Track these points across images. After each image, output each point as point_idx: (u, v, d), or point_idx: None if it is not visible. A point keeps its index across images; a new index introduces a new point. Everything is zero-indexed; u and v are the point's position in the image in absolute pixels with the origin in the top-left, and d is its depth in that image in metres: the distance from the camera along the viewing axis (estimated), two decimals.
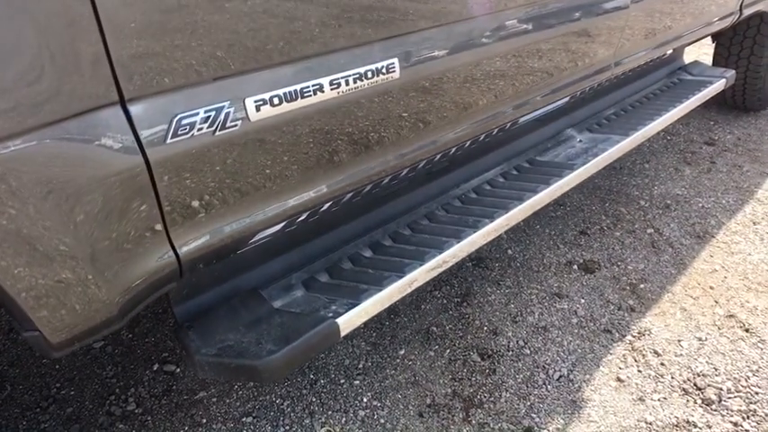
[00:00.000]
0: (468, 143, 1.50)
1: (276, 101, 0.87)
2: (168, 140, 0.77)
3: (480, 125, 1.38)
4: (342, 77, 0.95)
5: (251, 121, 0.85)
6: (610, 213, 2.47)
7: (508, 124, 1.59)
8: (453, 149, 1.42)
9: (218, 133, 0.82)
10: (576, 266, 2.12)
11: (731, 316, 1.85)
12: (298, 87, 0.89)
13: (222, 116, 0.81)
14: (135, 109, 0.74)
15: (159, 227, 0.82)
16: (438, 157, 1.43)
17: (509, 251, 2.23)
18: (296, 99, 0.89)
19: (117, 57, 0.71)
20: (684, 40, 2.25)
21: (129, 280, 0.83)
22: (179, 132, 0.77)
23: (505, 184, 1.63)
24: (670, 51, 2.39)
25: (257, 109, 0.85)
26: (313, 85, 0.91)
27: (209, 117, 0.80)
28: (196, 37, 0.78)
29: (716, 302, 1.91)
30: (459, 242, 1.33)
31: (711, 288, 1.99)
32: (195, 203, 0.85)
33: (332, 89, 0.94)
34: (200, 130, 0.79)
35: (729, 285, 1.99)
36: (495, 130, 1.56)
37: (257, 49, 0.84)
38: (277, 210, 1.03)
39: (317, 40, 0.91)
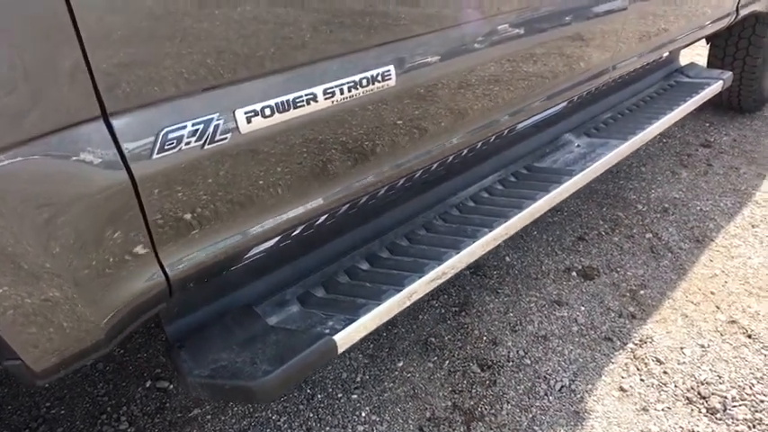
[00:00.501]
0: (466, 151, 1.47)
1: (268, 112, 0.83)
2: (154, 155, 0.73)
3: (478, 133, 1.35)
4: (336, 86, 0.91)
5: (242, 134, 0.82)
6: (607, 218, 2.44)
7: (506, 131, 1.57)
8: (451, 158, 1.39)
9: (207, 147, 0.78)
10: (574, 273, 2.09)
11: (733, 322, 1.82)
12: (290, 97, 0.85)
13: (211, 129, 0.78)
14: (118, 123, 0.71)
15: (147, 246, 0.78)
16: (435, 166, 1.40)
17: (507, 258, 2.20)
18: (288, 109, 0.86)
19: (98, 68, 0.67)
20: (683, 42, 2.23)
21: (116, 302, 0.79)
22: (166, 147, 0.74)
23: (504, 191, 1.60)
24: (666, 54, 2.38)
25: (248, 121, 0.81)
26: (306, 95, 0.87)
27: (197, 130, 0.76)
28: (183, 46, 0.75)
29: (717, 308, 1.89)
30: (458, 253, 1.30)
31: (712, 293, 1.96)
32: (185, 221, 0.82)
33: (326, 98, 0.90)
34: (188, 143, 0.76)
35: (730, 290, 1.97)
36: (493, 137, 1.53)
37: (248, 57, 0.81)
38: (271, 224, 0.99)
39: (309, 47, 0.88)
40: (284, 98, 0.85)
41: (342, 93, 0.92)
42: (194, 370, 0.99)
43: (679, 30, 2.10)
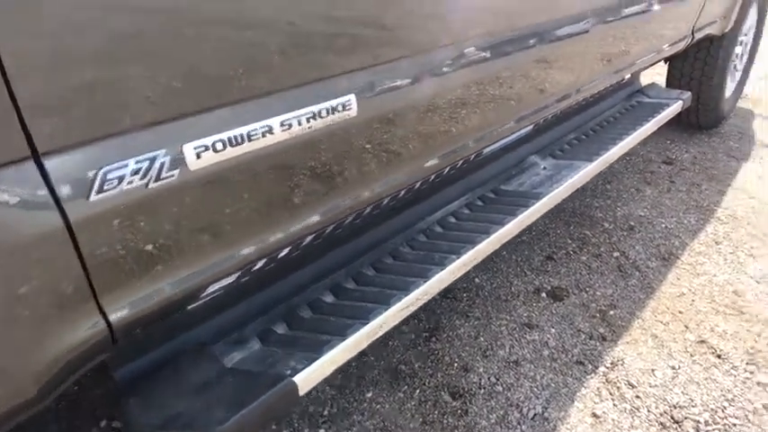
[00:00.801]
0: (433, 177, 1.44)
1: (219, 146, 0.78)
2: (92, 197, 0.68)
3: (445, 159, 1.32)
4: (294, 117, 0.87)
5: (191, 170, 0.76)
6: (575, 237, 2.45)
7: (473, 156, 1.55)
8: (418, 184, 1.36)
9: (152, 185, 0.73)
10: (544, 294, 2.08)
11: (702, 341, 1.83)
12: (244, 130, 0.81)
13: (156, 166, 0.72)
14: (51, 164, 0.65)
15: (85, 293, 0.72)
16: (403, 192, 1.37)
17: (476, 280, 2.17)
18: (242, 143, 0.81)
19: (26, 103, 0.61)
20: (643, 64, 2.27)
21: (50, 355, 0.72)
22: (105, 187, 0.68)
23: (471, 216, 1.58)
24: (628, 75, 2.42)
25: (198, 156, 0.76)
26: (261, 128, 0.83)
27: (140, 168, 0.71)
28: (124, 77, 0.69)
29: (686, 327, 1.90)
30: (426, 281, 1.26)
31: (680, 312, 1.97)
32: (130, 264, 0.76)
33: (283, 130, 0.86)
34: (130, 183, 0.70)
35: (698, 309, 1.98)
36: (461, 162, 1.51)
37: (197, 89, 0.76)
38: (229, 261, 0.93)
39: (266, 77, 0.84)
40: (237, 131, 0.80)
41: (300, 124, 0.88)
42: (145, 419, 0.92)
43: (639, 52, 2.14)
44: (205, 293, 1.02)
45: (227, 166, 0.81)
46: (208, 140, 0.77)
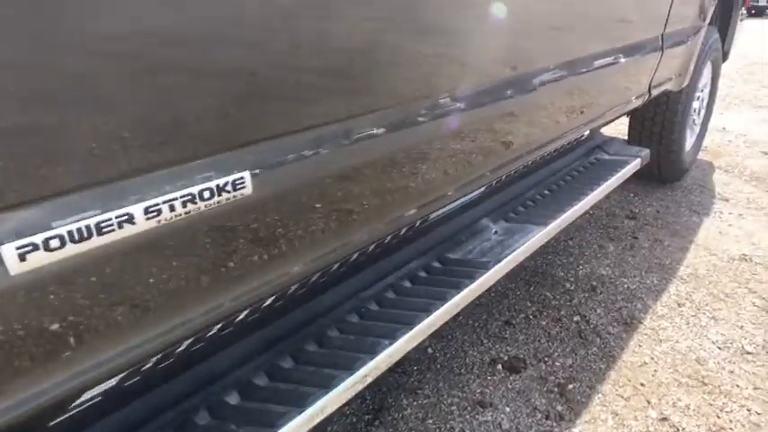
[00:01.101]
0: (373, 247, 1.30)
1: (55, 243, 0.63)
2: None
3: (375, 232, 1.18)
4: (163, 202, 0.72)
5: (11, 275, 0.61)
6: (535, 299, 2.33)
7: (417, 222, 1.42)
8: (355, 256, 1.22)
9: None
10: (500, 366, 1.93)
11: (664, 419, 1.69)
12: (92, 222, 0.65)
13: None
14: None
15: None
16: (335, 267, 1.22)
17: (429, 349, 2.02)
18: (90, 237, 0.65)
19: None
20: (601, 120, 2.21)
21: None
22: None
23: (412, 290, 1.43)
24: (587, 132, 2.36)
25: (21, 258, 0.61)
26: (117, 216, 0.68)
27: None
28: None
29: (648, 403, 1.76)
30: (351, 375, 1.10)
31: (642, 385, 1.84)
32: None
33: (148, 218, 0.71)
34: None
35: (660, 381, 1.85)
36: (403, 230, 1.38)
37: (23, 174, 0.61)
38: (90, 373, 0.76)
39: (124, 156, 0.69)
40: (82, 223, 0.65)
41: (172, 209, 0.73)
42: None
43: (596, 110, 2.08)
44: (75, 404, 0.85)
45: (69, 264, 0.65)
46: (37, 238, 0.61)
